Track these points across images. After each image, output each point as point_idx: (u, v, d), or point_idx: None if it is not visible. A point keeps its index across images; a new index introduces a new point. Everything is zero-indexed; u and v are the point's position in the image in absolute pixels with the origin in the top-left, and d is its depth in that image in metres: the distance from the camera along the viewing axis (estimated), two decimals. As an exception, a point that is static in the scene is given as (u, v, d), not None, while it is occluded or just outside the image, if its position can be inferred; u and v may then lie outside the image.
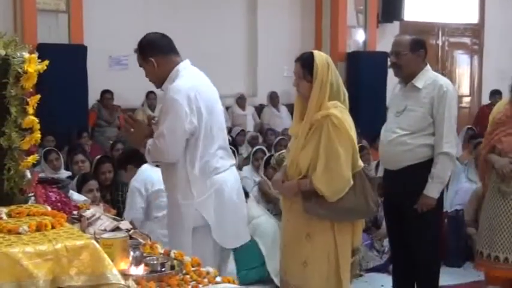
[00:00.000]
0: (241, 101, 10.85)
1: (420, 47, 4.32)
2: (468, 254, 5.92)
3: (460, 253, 6.10)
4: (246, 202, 5.40)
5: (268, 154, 7.33)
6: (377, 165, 6.13)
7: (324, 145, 3.48)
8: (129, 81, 9.92)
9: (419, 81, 4.27)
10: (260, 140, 9.64)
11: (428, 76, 4.30)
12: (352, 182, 3.51)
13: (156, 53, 3.61)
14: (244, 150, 9.04)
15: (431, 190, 4.21)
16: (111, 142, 8.44)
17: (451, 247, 6.07)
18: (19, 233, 2.15)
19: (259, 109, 11.25)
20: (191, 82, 3.58)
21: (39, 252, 2.01)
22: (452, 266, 5.89)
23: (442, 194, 4.33)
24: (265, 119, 11.08)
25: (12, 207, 2.49)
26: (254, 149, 7.76)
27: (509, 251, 4.18)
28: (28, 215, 2.40)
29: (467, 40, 13.49)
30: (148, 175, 4.86)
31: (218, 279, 2.60)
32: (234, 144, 8.81)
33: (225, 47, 10.71)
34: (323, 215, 3.54)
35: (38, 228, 2.19)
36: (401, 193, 4.31)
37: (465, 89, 13.48)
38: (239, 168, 6.44)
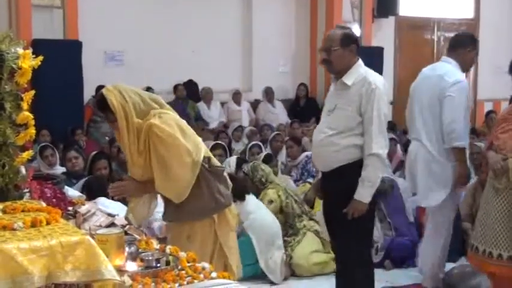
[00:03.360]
0: (236, 96, 10.83)
1: (351, 42, 4.08)
2: (463, 249, 5.90)
3: (455, 248, 6.09)
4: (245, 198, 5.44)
5: (263, 151, 7.36)
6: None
7: (154, 159, 3.43)
8: (124, 77, 9.90)
9: (349, 78, 4.02)
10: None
11: (359, 72, 4.06)
12: (193, 181, 3.45)
13: None
14: (241, 146, 9.00)
15: (362, 194, 3.93)
16: (108, 138, 8.40)
17: (446, 242, 6.06)
18: (14, 229, 2.14)
19: (255, 104, 11.24)
20: None
21: (34, 248, 2.00)
22: (447, 261, 5.88)
23: (374, 197, 4.02)
24: (261, 114, 11.07)
25: (7, 203, 2.48)
26: (250, 144, 7.78)
27: (503, 248, 4.18)
28: (23, 211, 2.39)
29: (462, 35, 13.46)
30: None
31: (214, 274, 2.61)
32: (229, 140, 8.82)
33: (220, 42, 10.69)
34: (184, 217, 3.54)
35: (33, 224, 2.19)
36: (332, 195, 4.15)
37: (460, 84, 13.45)
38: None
